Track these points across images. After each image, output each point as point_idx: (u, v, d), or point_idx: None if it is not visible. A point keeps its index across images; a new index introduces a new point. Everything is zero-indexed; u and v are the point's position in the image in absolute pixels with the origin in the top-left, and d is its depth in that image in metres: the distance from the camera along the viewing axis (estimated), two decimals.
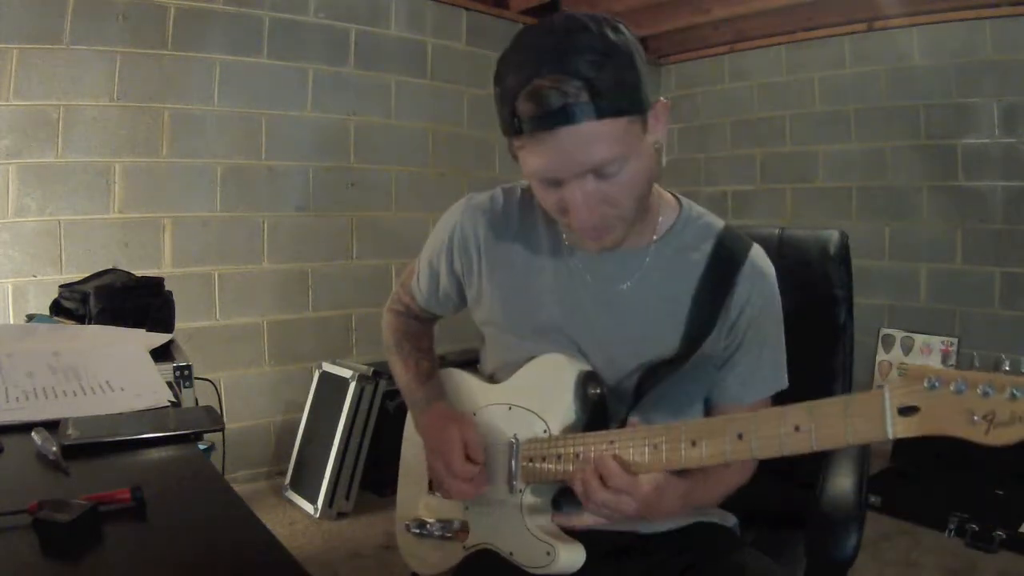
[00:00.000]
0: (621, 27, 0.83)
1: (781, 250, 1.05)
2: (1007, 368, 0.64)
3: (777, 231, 1.31)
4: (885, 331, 3.19)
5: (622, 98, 0.80)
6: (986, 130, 2.93)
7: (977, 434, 0.64)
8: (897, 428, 0.67)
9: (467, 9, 3.43)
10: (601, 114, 0.79)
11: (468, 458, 0.98)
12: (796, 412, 0.75)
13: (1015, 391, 0.62)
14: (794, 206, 3.53)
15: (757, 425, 0.78)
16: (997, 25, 2.86)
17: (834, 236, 1.29)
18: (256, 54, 2.79)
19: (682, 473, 0.88)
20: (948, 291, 3.07)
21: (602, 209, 0.86)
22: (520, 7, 3.55)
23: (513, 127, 0.83)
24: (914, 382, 0.67)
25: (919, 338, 3.10)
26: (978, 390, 0.64)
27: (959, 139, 3.00)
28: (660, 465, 0.83)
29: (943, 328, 3.06)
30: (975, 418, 0.64)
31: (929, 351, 3.06)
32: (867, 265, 3.16)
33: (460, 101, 3.44)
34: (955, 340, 2.99)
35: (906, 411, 0.67)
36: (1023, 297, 2.88)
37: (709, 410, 1.07)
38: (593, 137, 0.80)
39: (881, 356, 3.18)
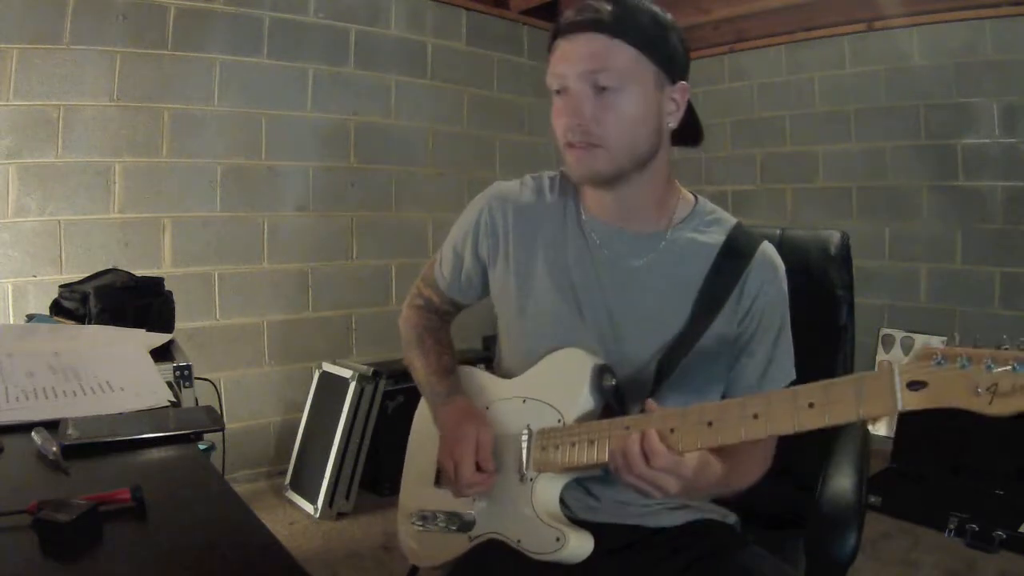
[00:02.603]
0: (669, 14, 0.97)
1: (782, 250, 1.05)
2: (1007, 346, 0.69)
3: (778, 231, 1.31)
4: (885, 331, 3.19)
5: (643, 36, 0.92)
6: (986, 130, 2.93)
7: (981, 405, 0.68)
8: (907, 401, 0.71)
9: (467, 9, 3.43)
10: (617, 34, 0.91)
11: (479, 465, 0.99)
12: (809, 390, 0.78)
13: (1016, 365, 0.67)
14: (794, 206, 3.53)
15: (771, 405, 0.80)
16: (997, 25, 2.86)
17: (835, 236, 1.29)
18: (256, 54, 2.79)
19: (719, 455, 0.90)
20: (948, 291, 3.07)
21: (591, 125, 0.93)
22: (520, 7, 3.55)
23: (553, 36, 0.97)
24: (922, 359, 0.72)
25: (919, 338, 3.10)
26: (982, 364, 0.69)
27: (959, 139, 2.99)
28: (677, 447, 0.84)
29: (943, 328, 3.05)
30: (979, 390, 0.68)
31: None
32: (867, 265, 3.16)
33: (460, 101, 3.44)
34: (955, 340, 2.99)
35: (914, 386, 0.71)
36: (1023, 297, 2.87)
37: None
38: (604, 49, 0.91)
39: (881, 356, 3.18)
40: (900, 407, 0.71)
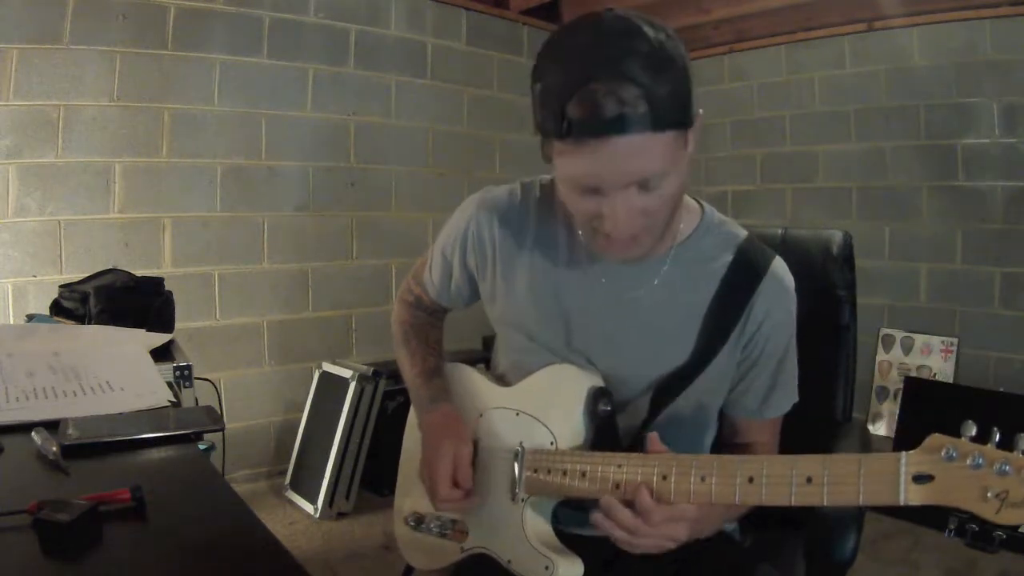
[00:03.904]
0: (671, 33, 0.79)
1: (784, 250, 1.04)
2: None
3: (780, 231, 1.31)
4: (885, 331, 3.19)
5: (676, 111, 0.77)
6: (986, 130, 2.93)
7: (988, 511, 0.64)
8: (910, 495, 0.67)
9: (467, 9, 3.43)
10: (656, 127, 0.76)
11: (455, 482, 0.97)
12: (809, 462, 0.74)
13: None
14: (794, 206, 3.53)
15: (769, 471, 0.76)
16: (997, 25, 2.86)
17: (837, 236, 1.29)
18: (256, 54, 2.79)
19: None
20: (948, 291, 3.07)
21: (639, 221, 0.84)
22: (520, 7, 3.55)
23: (559, 130, 0.77)
24: (932, 451, 0.67)
25: (919, 338, 3.10)
26: (995, 467, 0.64)
27: (959, 139, 2.99)
28: (668, 497, 0.81)
29: (943, 328, 3.05)
30: (988, 495, 0.64)
31: (929, 351, 3.06)
32: (867, 265, 3.16)
33: (460, 101, 3.44)
34: (955, 340, 2.99)
35: (921, 479, 0.67)
36: (1023, 297, 2.88)
37: (724, 424, 1.05)
38: (644, 149, 0.77)
39: (881, 356, 3.18)
40: (903, 500, 0.67)
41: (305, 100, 2.94)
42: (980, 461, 0.65)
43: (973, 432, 0.67)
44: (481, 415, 1.05)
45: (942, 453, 0.66)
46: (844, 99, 3.31)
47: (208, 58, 2.68)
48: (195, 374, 1.54)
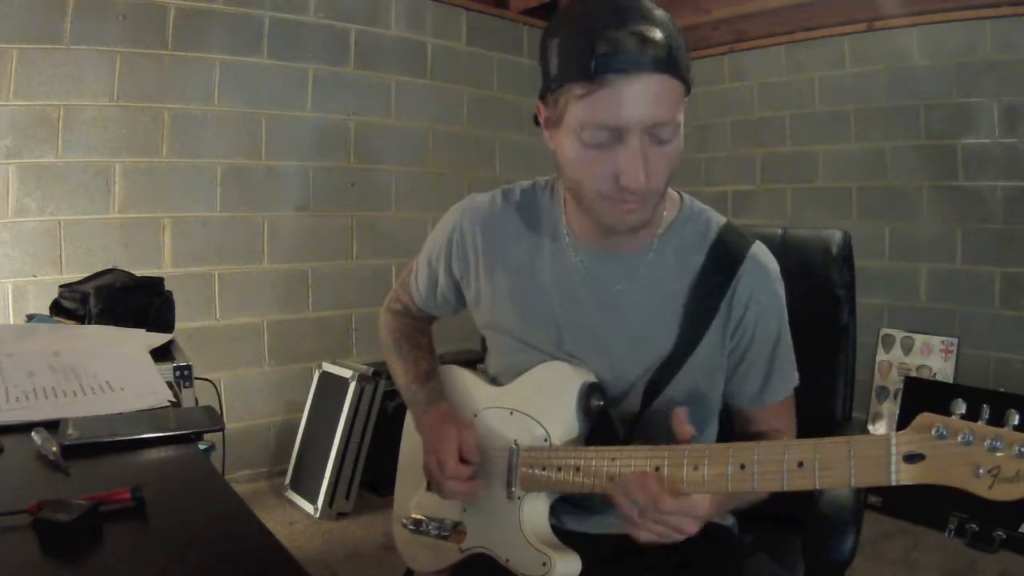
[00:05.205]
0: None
1: (784, 250, 1.04)
2: (1015, 423, 0.64)
3: (780, 231, 1.31)
4: (885, 331, 3.19)
5: (686, 64, 0.82)
6: (986, 130, 2.93)
7: (980, 488, 0.64)
8: (901, 475, 0.67)
9: (467, 9, 3.43)
10: (675, 71, 0.80)
11: (463, 459, 0.98)
12: (800, 447, 0.74)
13: (1022, 448, 0.62)
14: (794, 206, 3.53)
15: (760, 456, 0.76)
16: (997, 25, 2.86)
17: (836, 236, 1.29)
18: (256, 54, 2.79)
19: None
20: (948, 291, 3.07)
21: (652, 178, 0.84)
22: (520, 7, 3.55)
23: (585, 69, 0.78)
24: (922, 430, 0.67)
25: (919, 338, 3.09)
26: (985, 443, 0.64)
27: (959, 139, 2.99)
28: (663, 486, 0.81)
29: (943, 328, 3.05)
30: (980, 471, 0.64)
31: (929, 351, 3.06)
32: (867, 265, 3.15)
33: (460, 101, 3.44)
34: (955, 340, 2.99)
35: (911, 458, 0.67)
36: (1023, 297, 2.87)
37: (736, 417, 1.05)
38: (664, 92, 0.80)
39: (881, 356, 3.18)
40: (894, 480, 0.67)
41: (305, 100, 2.94)
42: (971, 438, 0.64)
43: (963, 410, 0.66)
44: (475, 416, 1.06)
45: (932, 431, 0.66)
46: (844, 99, 3.31)
47: (208, 58, 2.68)
48: (195, 374, 1.54)
